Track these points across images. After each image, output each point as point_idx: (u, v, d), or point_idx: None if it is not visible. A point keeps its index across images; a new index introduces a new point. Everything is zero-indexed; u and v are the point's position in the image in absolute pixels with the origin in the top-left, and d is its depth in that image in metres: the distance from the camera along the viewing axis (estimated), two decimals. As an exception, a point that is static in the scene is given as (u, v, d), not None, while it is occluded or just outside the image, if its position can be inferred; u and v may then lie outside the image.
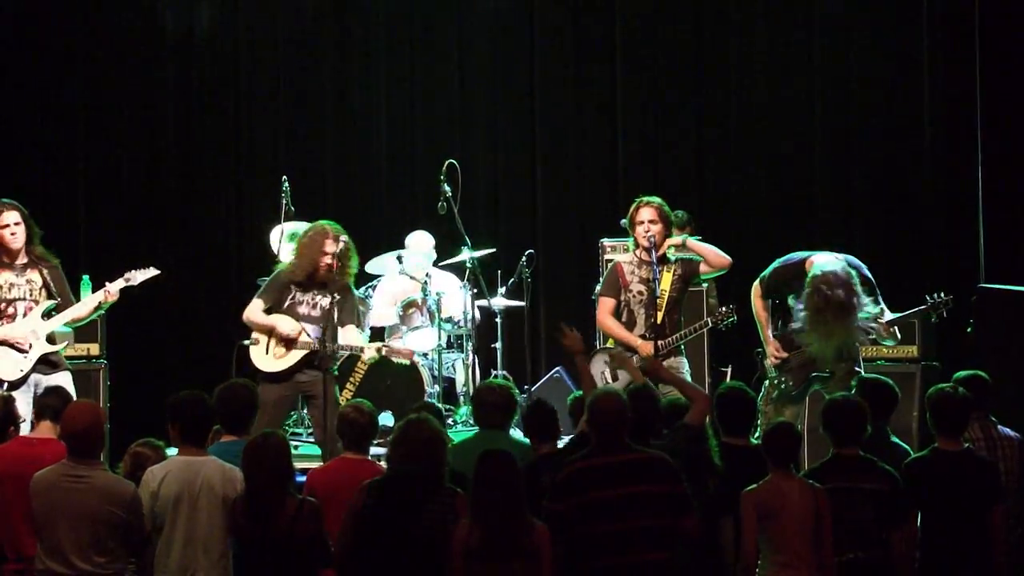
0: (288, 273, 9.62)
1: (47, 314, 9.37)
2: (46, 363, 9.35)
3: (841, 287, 8.91)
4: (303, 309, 9.57)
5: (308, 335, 9.42)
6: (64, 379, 9.29)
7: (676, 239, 9.62)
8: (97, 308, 9.53)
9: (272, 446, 6.73)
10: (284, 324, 9.44)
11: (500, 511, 6.43)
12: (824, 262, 9.08)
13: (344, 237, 9.55)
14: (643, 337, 9.40)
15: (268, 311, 9.56)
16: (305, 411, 11.07)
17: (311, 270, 9.52)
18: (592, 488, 6.61)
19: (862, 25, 12.75)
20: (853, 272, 9.03)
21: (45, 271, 9.47)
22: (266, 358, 9.47)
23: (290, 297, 9.57)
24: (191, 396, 7.22)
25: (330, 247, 9.47)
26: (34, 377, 9.30)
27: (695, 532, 6.72)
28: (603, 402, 6.85)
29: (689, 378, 9.18)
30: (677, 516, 6.64)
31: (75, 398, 8.32)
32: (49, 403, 7.87)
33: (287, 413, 10.04)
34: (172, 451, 7.31)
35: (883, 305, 9.28)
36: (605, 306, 9.62)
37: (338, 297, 9.41)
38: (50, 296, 9.46)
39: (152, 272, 9.59)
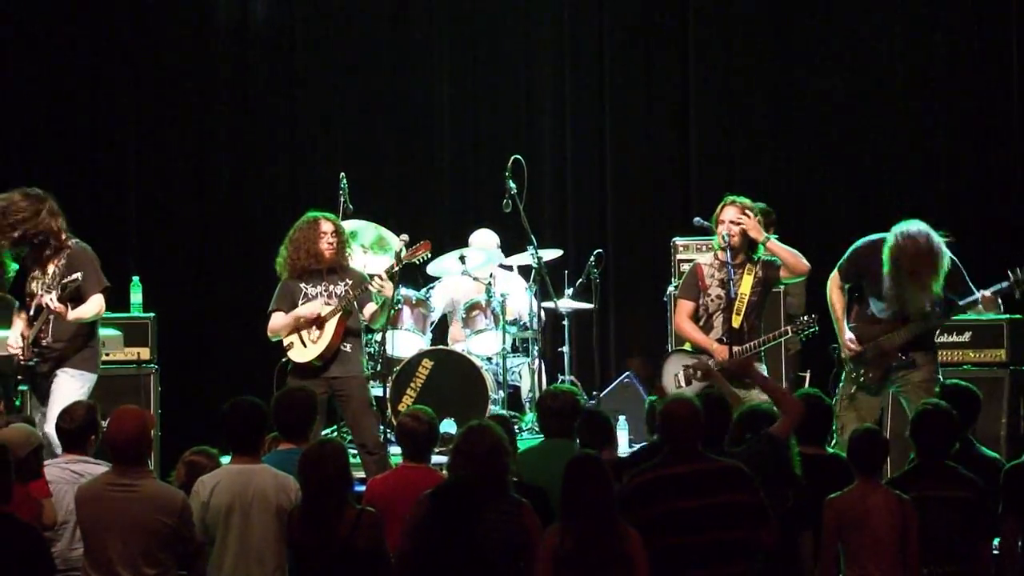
0: (293, 274, 9.70)
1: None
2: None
3: (924, 237, 8.75)
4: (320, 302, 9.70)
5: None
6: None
7: (753, 223, 9.26)
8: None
9: (329, 454, 6.65)
10: (304, 308, 9.56)
11: (595, 514, 6.28)
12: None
13: (333, 218, 9.78)
14: (719, 342, 9.19)
15: None
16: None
17: (314, 259, 9.61)
18: (667, 499, 6.49)
19: (947, 16, 12.56)
20: (935, 235, 8.84)
21: None
22: (305, 350, 9.56)
23: (302, 296, 9.65)
24: (243, 403, 7.13)
25: (326, 227, 9.65)
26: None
27: (773, 543, 6.58)
28: (675, 408, 6.71)
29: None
30: (755, 527, 6.52)
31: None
32: None
33: (323, 412, 9.85)
34: (227, 459, 7.26)
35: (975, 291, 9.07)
36: (683, 309, 9.45)
37: (350, 281, 9.62)
38: None
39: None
